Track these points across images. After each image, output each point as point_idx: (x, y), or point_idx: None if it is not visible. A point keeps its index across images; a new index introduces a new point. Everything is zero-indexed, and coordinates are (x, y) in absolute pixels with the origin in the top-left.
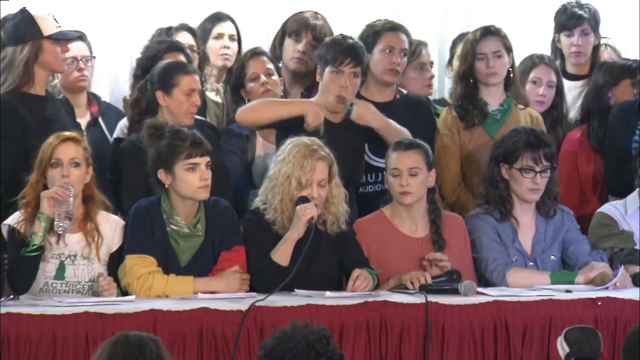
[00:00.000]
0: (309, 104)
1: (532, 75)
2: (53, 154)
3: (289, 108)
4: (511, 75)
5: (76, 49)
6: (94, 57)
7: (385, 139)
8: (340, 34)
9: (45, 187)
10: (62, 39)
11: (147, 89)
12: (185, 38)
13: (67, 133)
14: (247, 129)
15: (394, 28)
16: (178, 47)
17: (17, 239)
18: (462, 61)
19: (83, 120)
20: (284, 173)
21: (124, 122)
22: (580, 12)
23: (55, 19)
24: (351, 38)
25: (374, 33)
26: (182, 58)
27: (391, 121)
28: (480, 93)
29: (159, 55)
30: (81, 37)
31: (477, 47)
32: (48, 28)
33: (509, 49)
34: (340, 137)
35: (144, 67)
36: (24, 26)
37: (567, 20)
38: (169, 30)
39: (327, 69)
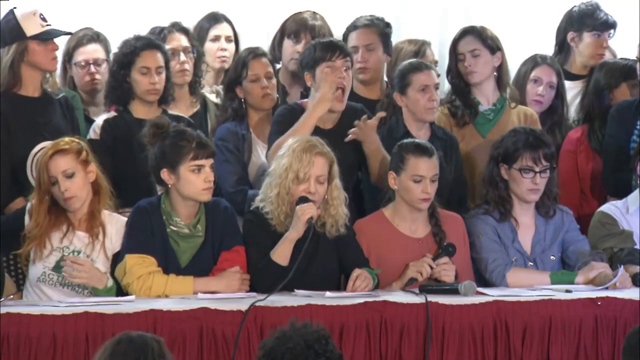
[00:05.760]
0: (314, 106)
1: (533, 74)
2: (49, 172)
3: (305, 123)
4: (495, 74)
5: (89, 51)
6: (107, 60)
7: (370, 162)
8: (315, 39)
9: (53, 202)
10: (46, 38)
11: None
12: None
13: (50, 146)
14: (243, 129)
15: (356, 27)
16: (155, 45)
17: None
18: (449, 61)
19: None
20: (282, 166)
21: (97, 123)
22: (610, 16)
23: (42, 17)
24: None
25: (344, 35)
26: (159, 56)
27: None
28: (473, 92)
29: (135, 51)
30: (95, 38)
31: (455, 48)
32: (32, 28)
33: (491, 48)
34: (332, 144)
35: (120, 63)
36: (8, 28)
37: (599, 23)
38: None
39: (320, 68)
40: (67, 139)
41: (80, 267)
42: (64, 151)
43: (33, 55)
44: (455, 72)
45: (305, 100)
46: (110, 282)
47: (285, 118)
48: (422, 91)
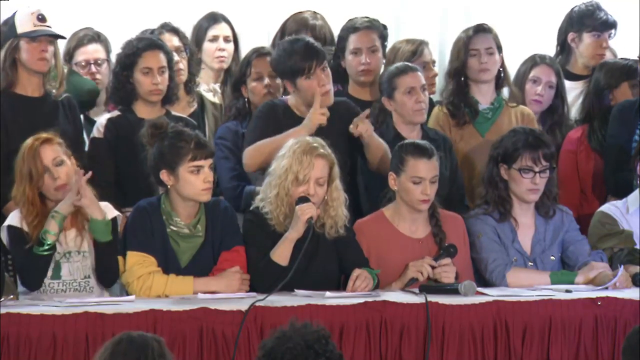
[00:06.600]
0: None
1: (532, 74)
2: (42, 161)
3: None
4: (502, 74)
5: (90, 51)
6: (107, 60)
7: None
8: (287, 40)
9: (41, 196)
10: (32, 36)
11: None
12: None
13: (34, 138)
14: (244, 128)
15: (357, 29)
16: (157, 45)
17: (21, 238)
18: (454, 58)
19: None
20: (282, 167)
21: (100, 122)
22: (610, 16)
23: (40, 17)
24: (298, 40)
25: (340, 36)
26: (161, 56)
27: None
28: (472, 91)
29: (137, 52)
30: (95, 38)
31: (469, 44)
32: (23, 26)
33: (499, 48)
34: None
35: (122, 64)
36: (5, 25)
37: (598, 23)
38: (151, 34)
39: (299, 81)
40: (44, 133)
41: (85, 193)
42: (50, 140)
43: (22, 53)
44: (461, 70)
45: (289, 96)
46: (108, 217)
47: (264, 114)
48: (408, 94)
